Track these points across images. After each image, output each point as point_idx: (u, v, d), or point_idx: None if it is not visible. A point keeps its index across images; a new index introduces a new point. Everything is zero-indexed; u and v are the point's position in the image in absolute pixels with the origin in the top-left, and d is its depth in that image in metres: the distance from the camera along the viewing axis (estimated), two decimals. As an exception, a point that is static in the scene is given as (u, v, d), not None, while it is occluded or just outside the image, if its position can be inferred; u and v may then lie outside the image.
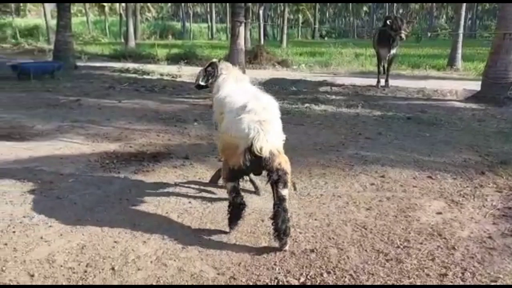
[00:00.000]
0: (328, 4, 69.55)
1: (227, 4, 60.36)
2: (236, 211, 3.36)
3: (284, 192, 3.21)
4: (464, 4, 17.19)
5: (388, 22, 10.78)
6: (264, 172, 3.28)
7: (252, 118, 3.13)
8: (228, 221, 3.43)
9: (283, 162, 3.23)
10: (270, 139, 3.10)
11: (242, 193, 3.42)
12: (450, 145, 6.05)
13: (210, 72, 4.00)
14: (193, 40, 45.19)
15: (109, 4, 58.87)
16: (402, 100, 9.85)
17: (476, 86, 11.32)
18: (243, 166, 3.11)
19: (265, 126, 3.10)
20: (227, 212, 3.41)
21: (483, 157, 5.46)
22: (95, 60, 18.96)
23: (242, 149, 3.09)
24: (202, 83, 4.07)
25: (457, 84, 12.15)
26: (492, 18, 74.41)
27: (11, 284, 2.74)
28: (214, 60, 4.14)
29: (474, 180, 4.65)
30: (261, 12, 24.30)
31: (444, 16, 77.99)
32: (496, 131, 6.90)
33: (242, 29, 11.29)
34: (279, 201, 3.20)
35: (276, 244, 3.17)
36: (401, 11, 72.09)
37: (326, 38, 48.76)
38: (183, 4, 61.25)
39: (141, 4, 44.67)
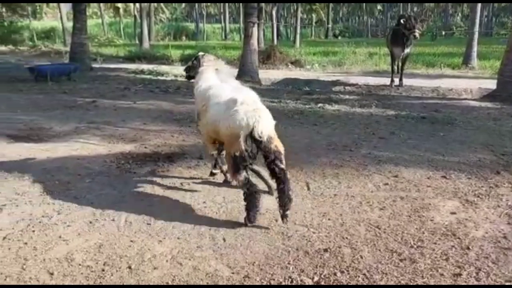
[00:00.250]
0: (342, 3, 69.17)
1: (241, 4, 60.54)
2: (253, 200, 3.55)
3: (283, 165, 3.56)
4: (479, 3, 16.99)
5: (402, 21, 10.75)
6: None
7: (247, 108, 3.46)
8: (246, 213, 3.59)
9: (278, 144, 3.59)
10: (267, 124, 3.47)
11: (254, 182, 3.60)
12: (465, 144, 6.01)
13: (195, 65, 4.34)
14: (207, 40, 45.45)
15: (124, 5, 59.48)
16: (416, 100, 9.79)
17: (491, 84, 11.21)
18: (245, 151, 3.46)
19: (260, 114, 3.47)
20: (245, 204, 3.58)
21: (498, 157, 5.42)
22: (110, 61, 19.22)
23: (244, 137, 3.42)
24: (190, 74, 4.43)
25: (472, 83, 12.05)
26: (508, 15, 73.40)
27: (31, 282, 2.82)
28: (200, 53, 4.44)
29: (489, 180, 4.62)
30: (274, 12, 24.33)
31: (460, 14, 77.08)
32: (512, 130, 6.83)
33: (255, 29, 11.35)
34: (281, 172, 3.54)
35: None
36: (415, 9, 71.50)
37: (339, 38, 48.55)
38: (196, 5, 61.47)
39: (155, 5, 45.01)
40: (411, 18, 10.63)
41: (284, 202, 3.50)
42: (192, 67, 4.41)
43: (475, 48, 17.02)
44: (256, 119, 3.39)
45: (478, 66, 16.74)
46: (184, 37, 55.61)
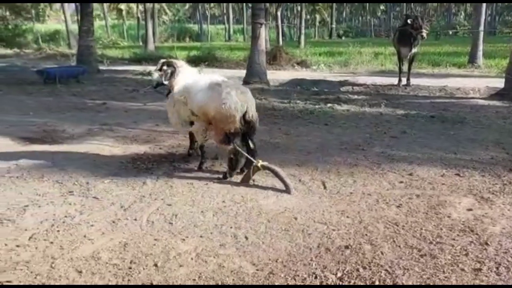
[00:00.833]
0: (345, 3, 69.18)
1: (244, 5, 60.69)
2: (235, 163, 4.50)
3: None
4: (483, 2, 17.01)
5: (409, 21, 10.80)
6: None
7: (236, 93, 4.22)
8: (228, 170, 4.56)
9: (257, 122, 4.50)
10: (254, 107, 4.38)
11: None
12: (476, 142, 6.05)
13: (171, 71, 4.62)
14: (211, 42, 45.52)
15: (127, 7, 59.67)
16: (425, 99, 9.83)
17: (499, 83, 11.24)
18: (239, 129, 4.32)
19: (248, 97, 4.32)
20: (228, 164, 4.52)
21: (510, 154, 5.47)
22: (116, 64, 19.31)
23: (239, 117, 4.23)
24: (165, 82, 4.71)
25: (479, 82, 12.07)
26: (512, 13, 73.24)
27: (61, 280, 2.89)
28: (166, 59, 4.78)
29: (503, 177, 4.66)
30: (278, 13, 24.39)
31: (463, 13, 76.97)
32: (522, 128, 6.87)
33: (263, 30, 11.39)
34: (252, 140, 4.57)
35: None
36: (418, 8, 71.46)
37: (343, 38, 48.59)
38: (200, 6, 61.64)
39: (158, 6, 45.12)
40: (418, 18, 10.68)
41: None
42: (172, 73, 4.65)
43: (480, 47, 17.03)
44: (248, 104, 4.27)
45: (484, 65, 16.75)
46: (187, 39, 55.74)
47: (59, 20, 62.79)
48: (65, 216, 3.80)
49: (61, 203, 4.08)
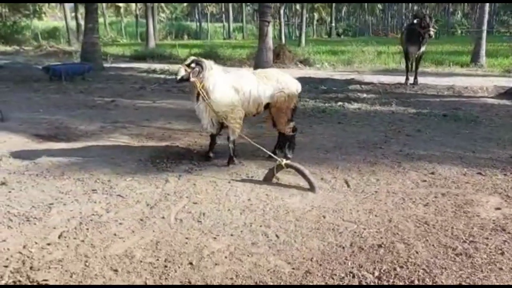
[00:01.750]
0: (345, 2, 69.21)
1: (243, 4, 60.59)
2: (293, 140, 5.28)
3: None
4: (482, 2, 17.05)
5: (416, 20, 10.81)
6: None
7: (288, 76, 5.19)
8: (289, 149, 5.26)
9: None
10: None
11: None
12: (493, 141, 6.06)
13: (199, 68, 4.63)
14: (210, 39, 45.45)
15: (125, 5, 59.46)
16: (434, 98, 9.84)
17: (504, 82, 11.32)
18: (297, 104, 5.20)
19: None
20: (288, 144, 5.27)
21: (528, 154, 5.47)
22: (119, 61, 19.22)
23: (297, 94, 5.11)
24: (192, 79, 4.63)
25: (484, 81, 12.11)
26: (509, 13, 73.45)
27: (97, 279, 2.86)
28: (194, 58, 4.81)
29: (525, 176, 4.67)
30: (281, 11, 24.34)
31: (460, 13, 77.14)
32: (536, 127, 6.88)
33: (270, 28, 11.36)
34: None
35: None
36: (415, 7, 71.53)
37: (342, 37, 48.63)
38: (199, 4, 61.51)
39: (156, 4, 44.95)
40: (426, 17, 10.68)
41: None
42: (199, 70, 4.65)
43: (483, 46, 17.06)
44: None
45: (486, 64, 16.79)
46: (186, 36, 55.62)
47: (55, 17, 62.57)
48: (92, 214, 3.77)
49: (86, 201, 4.05)
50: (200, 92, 4.68)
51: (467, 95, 10.22)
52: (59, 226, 3.55)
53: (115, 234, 3.42)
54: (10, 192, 4.26)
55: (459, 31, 50.50)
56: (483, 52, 17.06)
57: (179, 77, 4.61)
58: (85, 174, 4.76)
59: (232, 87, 4.84)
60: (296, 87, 5.10)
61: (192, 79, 4.59)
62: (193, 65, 4.62)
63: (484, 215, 3.75)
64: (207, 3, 64.29)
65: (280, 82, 4.99)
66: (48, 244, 3.26)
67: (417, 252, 3.15)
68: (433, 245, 3.25)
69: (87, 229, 3.51)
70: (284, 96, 4.96)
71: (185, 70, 4.58)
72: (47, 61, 18.97)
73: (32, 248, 3.20)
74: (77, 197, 4.14)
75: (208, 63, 4.72)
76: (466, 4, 71.40)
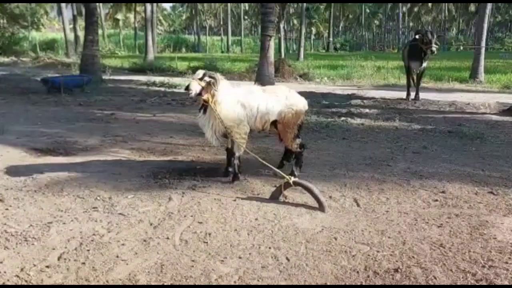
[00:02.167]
0: (341, 17, 69.87)
1: (241, 17, 61.00)
2: (301, 158, 5.12)
3: None
4: (487, 16, 17.12)
5: (417, 36, 10.80)
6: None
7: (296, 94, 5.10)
8: (297, 166, 5.09)
9: None
10: None
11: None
12: (501, 159, 5.95)
13: (212, 81, 4.50)
14: (208, 53, 45.56)
15: (123, 17, 59.74)
16: (437, 113, 9.75)
17: (505, 98, 11.27)
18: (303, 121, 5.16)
19: None
20: (295, 160, 5.12)
21: (538, 173, 5.35)
22: (117, 73, 19.15)
23: (304, 112, 5.03)
24: (204, 97, 4.53)
25: (485, 97, 12.10)
26: (503, 30, 74.34)
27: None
28: (204, 71, 4.64)
29: (538, 197, 4.54)
30: (281, 25, 24.42)
31: (455, 29, 77.96)
32: (543, 144, 6.78)
33: (272, 42, 11.31)
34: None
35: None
36: (411, 24, 72.27)
37: (339, 51, 48.90)
38: (197, 17, 61.88)
39: (155, 17, 45.11)
40: (428, 33, 10.66)
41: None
42: (214, 84, 4.52)
43: (482, 63, 17.13)
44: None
45: (485, 80, 16.83)
46: (184, 49, 55.86)
47: (53, 29, 62.76)
48: (93, 234, 3.60)
49: (86, 220, 3.89)
50: (212, 106, 4.54)
51: (469, 111, 10.14)
52: (59, 247, 3.38)
53: (117, 256, 3.25)
54: (7, 209, 4.10)
55: (455, 47, 50.93)
56: (481, 68, 17.10)
57: (193, 92, 4.44)
58: (85, 190, 4.60)
59: (238, 102, 4.72)
60: (303, 104, 5.00)
61: (204, 96, 4.47)
62: (206, 78, 4.48)
63: (500, 237, 3.61)
64: (206, 17, 64.78)
65: (289, 99, 4.88)
66: (47, 267, 3.09)
67: (435, 278, 3.00)
68: (451, 270, 3.10)
69: (88, 250, 3.34)
70: (292, 113, 4.84)
71: (198, 84, 4.44)
72: (45, 72, 18.87)
73: (30, 271, 3.03)
74: (77, 216, 3.97)
75: (219, 76, 4.61)
76: (461, 20, 72.23)
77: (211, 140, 4.82)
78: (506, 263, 3.19)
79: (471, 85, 16.06)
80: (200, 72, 4.58)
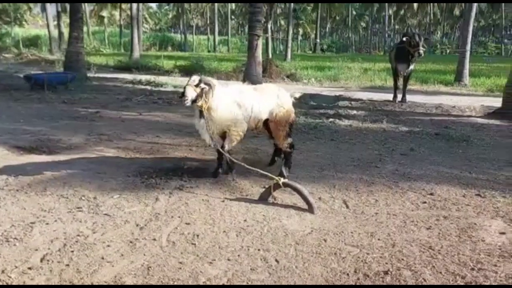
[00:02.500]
0: (328, 18, 70.17)
1: (228, 16, 60.84)
2: (290, 158, 5.13)
3: None
4: (472, 20, 17.33)
5: (405, 39, 10.84)
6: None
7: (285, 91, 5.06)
8: (286, 167, 5.08)
9: None
10: None
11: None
12: (488, 162, 5.99)
13: (208, 88, 4.46)
14: (194, 52, 45.35)
15: (108, 14, 59.12)
16: (423, 116, 9.81)
17: (490, 102, 11.40)
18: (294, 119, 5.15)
19: None
20: (285, 160, 5.10)
21: (525, 175, 5.40)
22: (102, 71, 18.91)
23: (293, 109, 5.03)
24: (199, 103, 4.46)
25: (470, 100, 12.24)
26: (487, 34, 75.55)
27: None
28: (199, 76, 4.55)
29: (524, 199, 4.57)
30: (269, 25, 24.39)
31: (439, 32, 78.86)
32: (529, 147, 6.86)
33: (260, 42, 11.26)
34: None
35: None
36: (397, 27, 72.94)
37: (326, 52, 49.12)
38: (184, 16, 61.52)
39: (141, 14, 44.76)
40: (415, 36, 10.71)
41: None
42: (210, 90, 4.49)
43: (467, 66, 17.34)
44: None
45: (470, 83, 17.03)
46: (170, 48, 55.55)
47: (37, 25, 61.78)
48: (78, 235, 3.51)
49: (70, 220, 3.79)
50: (204, 112, 4.51)
51: (455, 114, 10.23)
52: (42, 248, 3.29)
53: (102, 258, 3.17)
54: (-12, 209, 3.98)
55: (440, 51, 51.50)
56: (466, 71, 17.31)
57: (189, 99, 4.34)
58: (69, 190, 4.49)
59: (235, 102, 4.72)
60: (291, 101, 5.06)
61: (199, 103, 4.40)
62: (202, 85, 4.40)
63: (489, 240, 3.61)
64: (193, 16, 64.48)
65: (280, 97, 4.87)
66: (30, 268, 3.00)
67: (425, 280, 2.98)
68: (440, 273, 3.08)
69: (72, 251, 3.25)
70: (283, 111, 4.84)
71: (194, 91, 4.36)
72: (28, 69, 18.54)
73: (11, 273, 2.93)
74: (60, 216, 3.87)
75: (214, 81, 4.58)
76: (445, 24, 73.10)
77: (209, 142, 4.75)
78: (495, 265, 3.19)
79: (456, 88, 16.25)
80: (195, 78, 4.47)
